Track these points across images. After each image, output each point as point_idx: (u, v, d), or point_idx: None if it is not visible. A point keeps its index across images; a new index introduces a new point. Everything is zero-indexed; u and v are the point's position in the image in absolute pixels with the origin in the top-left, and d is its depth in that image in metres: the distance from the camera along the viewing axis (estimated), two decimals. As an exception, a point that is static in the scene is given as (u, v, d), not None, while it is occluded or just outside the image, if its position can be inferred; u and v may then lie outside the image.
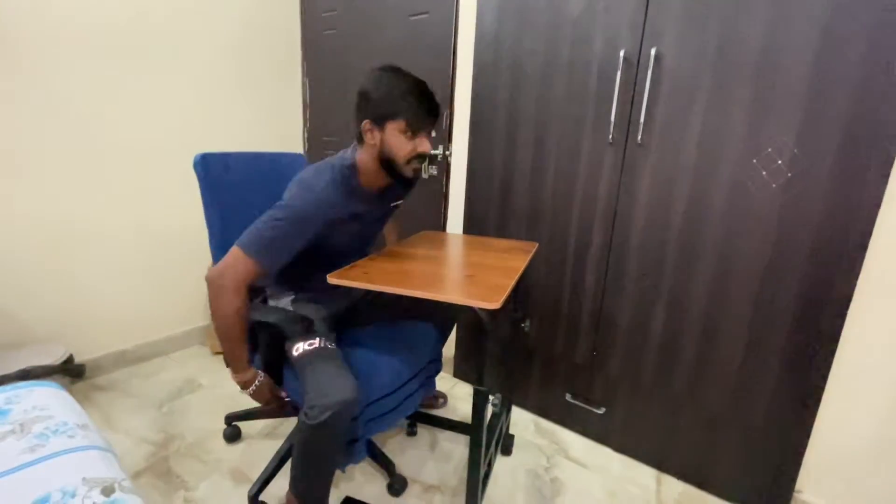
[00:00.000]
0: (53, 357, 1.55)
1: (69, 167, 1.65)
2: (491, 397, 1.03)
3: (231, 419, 1.54)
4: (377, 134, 1.06)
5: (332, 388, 0.94)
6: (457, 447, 1.55)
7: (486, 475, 1.28)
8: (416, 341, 1.27)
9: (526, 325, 1.46)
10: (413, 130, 1.05)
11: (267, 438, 1.54)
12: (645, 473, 1.47)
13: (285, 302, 1.21)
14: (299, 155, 1.53)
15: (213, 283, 0.99)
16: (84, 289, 1.76)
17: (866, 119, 1.03)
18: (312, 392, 0.94)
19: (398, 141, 1.05)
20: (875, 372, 1.15)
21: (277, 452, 1.34)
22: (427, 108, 1.05)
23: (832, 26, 1.04)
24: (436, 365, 1.35)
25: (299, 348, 1.03)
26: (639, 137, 1.32)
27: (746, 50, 1.14)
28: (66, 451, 0.65)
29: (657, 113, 1.29)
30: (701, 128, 1.23)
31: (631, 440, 1.53)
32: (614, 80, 1.33)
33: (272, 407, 1.16)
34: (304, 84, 2.38)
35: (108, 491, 0.59)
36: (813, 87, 1.08)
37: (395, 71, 1.06)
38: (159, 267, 1.97)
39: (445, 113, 1.81)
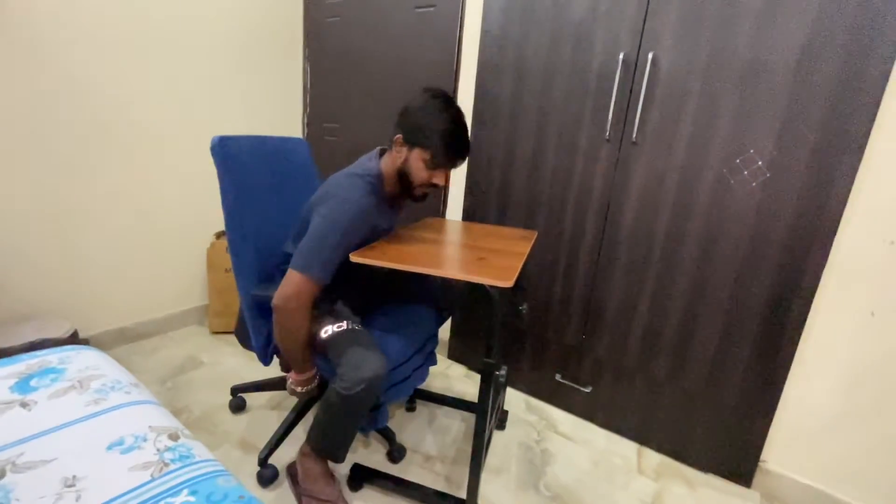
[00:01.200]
0: (59, 331, 1.58)
1: (74, 147, 1.66)
2: (497, 371, 1.12)
3: (236, 391, 1.60)
4: (404, 151, 1.13)
5: (364, 363, 1.03)
6: (454, 422, 1.64)
7: (487, 444, 1.38)
8: (418, 320, 1.37)
9: (523, 308, 1.56)
10: (434, 165, 1.12)
11: (272, 410, 1.60)
12: (627, 446, 1.60)
13: None
14: (301, 140, 1.58)
15: (282, 309, 1.06)
16: (86, 266, 1.78)
17: (837, 128, 1.16)
18: (346, 366, 1.03)
19: (418, 167, 1.12)
20: (834, 355, 1.29)
21: (284, 421, 1.41)
22: (455, 152, 1.12)
23: (810, 43, 1.16)
24: (435, 340, 1.45)
25: (328, 331, 1.12)
26: (633, 136, 1.42)
27: (734, 60, 1.25)
28: (126, 405, 0.72)
29: (651, 113, 1.39)
30: (690, 129, 1.34)
31: (615, 416, 1.65)
32: (613, 81, 1.42)
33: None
34: (304, 69, 2.40)
35: (174, 437, 0.66)
36: (791, 96, 1.20)
37: (444, 104, 1.10)
38: (159, 247, 2.00)
39: (448, 105, 1.88)
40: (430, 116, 1.09)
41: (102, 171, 1.75)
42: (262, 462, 1.30)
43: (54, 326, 1.59)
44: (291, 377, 1.19)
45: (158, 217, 1.96)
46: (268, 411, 1.60)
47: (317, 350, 1.18)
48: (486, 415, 1.09)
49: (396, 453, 1.43)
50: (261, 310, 1.25)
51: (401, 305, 1.42)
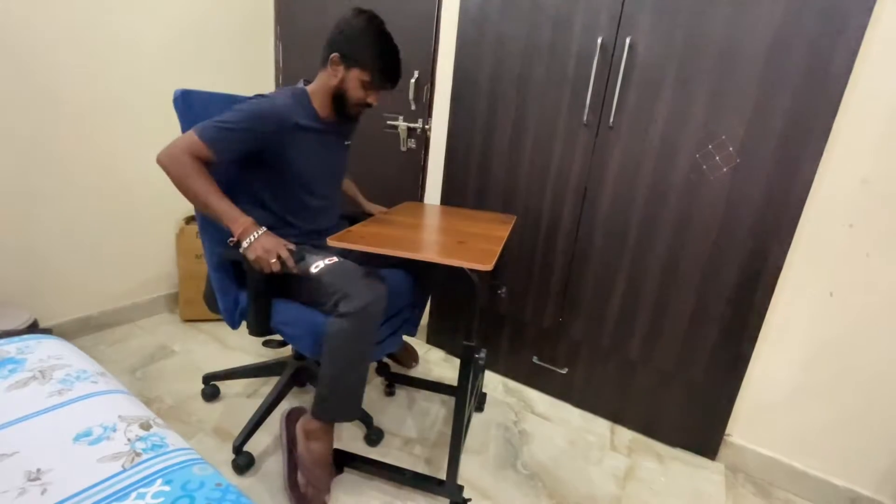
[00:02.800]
0: (17, 322, 1.50)
1: (31, 124, 1.55)
2: (478, 354, 1.13)
3: (209, 379, 1.56)
4: (341, 70, 1.16)
5: (364, 283, 1.04)
6: (432, 405, 1.66)
7: (466, 426, 1.40)
8: (394, 285, 1.34)
9: (502, 291, 1.57)
10: (371, 86, 1.18)
11: (247, 398, 1.58)
12: (601, 425, 1.65)
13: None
14: None
15: (164, 155, 1.04)
16: (46, 252, 1.68)
17: (803, 115, 1.19)
18: (348, 288, 1.03)
19: (355, 86, 1.17)
20: (795, 333, 1.35)
21: (259, 408, 1.37)
22: (393, 74, 1.19)
23: (781, 33, 1.18)
24: (417, 311, 1.45)
25: (319, 265, 1.09)
26: (610, 120, 1.43)
27: (708, 46, 1.27)
28: (94, 394, 0.69)
29: (628, 98, 1.40)
30: (665, 114, 1.36)
31: (589, 396, 1.70)
32: (591, 65, 1.42)
33: (275, 266, 1.04)
34: (276, 47, 2.31)
35: (145, 426, 0.64)
36: (762, 84, 1.22)
37: (380, 27, 1.17)
38: (125, 232, 1.91)
39: (426, 87, 1.85)
40: (369, 39, 1.14)
41: (63, 151, 1.65)
42: (237, 450, 1.28)
43: (11, 316, 1.50)
44: (237, 239, 1.04)
45: (124, 201, 1.87)
46: (243, 399, 1.57)
47: (298, 293, 1.14)
48: (465, 396, 1.10)
49: (374, 436, 1.43)
50: (227, 270, 1.23)
51: (379, 267, 1.40)
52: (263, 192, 1.22)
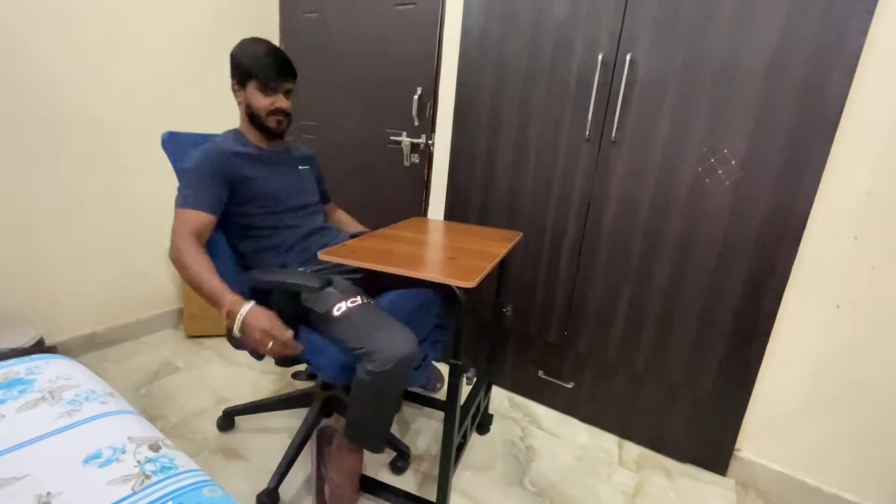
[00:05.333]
0: (24, 339, 1.50)
1: (35, 143, 1.58)
2: (466, 373, 1.10)
3: (230, 414, 1.50)
4: (242, 93, 1.24)
5: (393, 339, 1.02)
6: (436, 423, 1.64)
7: (462, 445, 1.36)
8: (422, 307, 1.34)
9: (507, 310, 1.57)
10: (269, 88, 1.22)
11: (251, 415, 1.56)
12: (608, 440, 1.63)
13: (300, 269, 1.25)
14: None
15: (173, 246, 1.11)
16: (51, 269, 1.70)
17: (805, 127, 1.20)
18: (374, 345, 1.01)
19: (257, 97, 1.22)
20: (803, 346, 1.35)
21: (291, 445, 1.31)
22: (279, 69, 1.22)
23: (780, 47, 1.20)
24: (442, 332, 1.42)
25: (341, 307, 1.08)
26: (612, 135, 1.45)
27: (708, 62, 1.29)
28: (103, 415, 0.69)
29: (629, 114, 1.42)
30: (667, 129, 1.37)
31: (596, 411, 1.68)
32: (592, 82, 1.44)
33: (273, 351, 1.05)
34: (281, 66, 2.35)
35: (154, 447, 0.64)
36: (762, 97, 1.24)
37: (253, 39, 1.24)
38: (129, 248, 1.92)
39: (429, 103, 1.87)
40: (245, 50, 1.22)
41: (68, 168, 1.67)
42: (272, 493, 1.21)
43: (18, 334, 1.51)
44: (227, 321, 1.06)
45: (128, 217, 1.89)
46: (247, 417, 1.56)
47: (322, 330, 1.13)
48: (454, 416, 1.07)
49: (401, 464, 1.39)
50: (262, 295, 1.20)
51: (408, 286, 1.38)
52: (247, 219, 1.24)
